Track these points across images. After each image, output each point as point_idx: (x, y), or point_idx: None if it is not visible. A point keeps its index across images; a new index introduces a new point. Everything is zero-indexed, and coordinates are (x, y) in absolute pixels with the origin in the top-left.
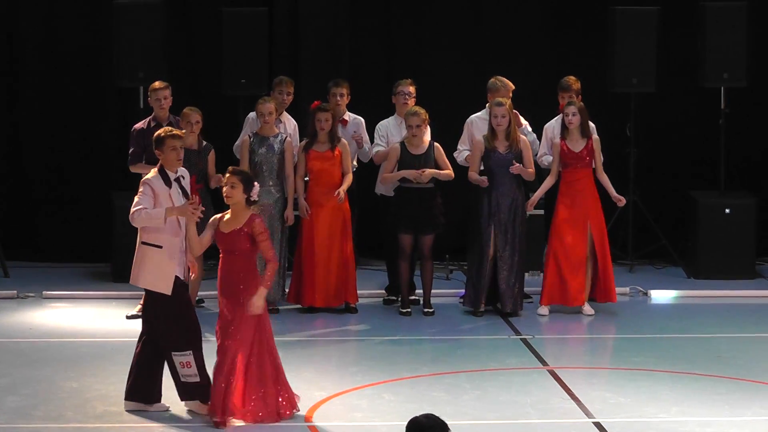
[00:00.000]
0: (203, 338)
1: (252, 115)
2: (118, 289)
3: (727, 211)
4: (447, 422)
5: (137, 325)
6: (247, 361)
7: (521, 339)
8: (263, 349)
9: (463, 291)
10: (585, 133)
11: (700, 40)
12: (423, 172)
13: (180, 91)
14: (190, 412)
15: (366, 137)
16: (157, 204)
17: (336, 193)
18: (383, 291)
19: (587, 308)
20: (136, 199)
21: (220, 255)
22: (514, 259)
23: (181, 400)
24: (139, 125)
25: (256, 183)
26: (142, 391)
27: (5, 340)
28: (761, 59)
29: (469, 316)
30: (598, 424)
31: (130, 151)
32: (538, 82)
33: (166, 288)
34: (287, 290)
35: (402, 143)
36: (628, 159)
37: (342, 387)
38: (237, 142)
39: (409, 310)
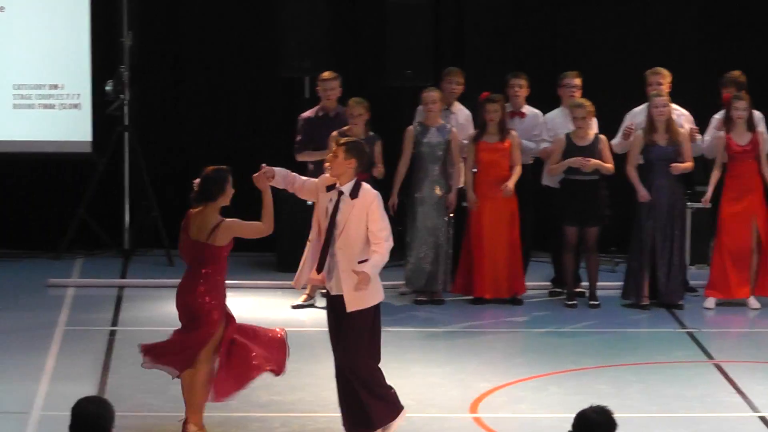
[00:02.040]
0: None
1: (421, 107)
2: (282, 279)
3: None
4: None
5: (302, 315)
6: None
7: (686, 332)
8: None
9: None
10: (750, 126)
11: None
12: (588, 160)
13: (345, 82)
14: None
15: (539, 131)
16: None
17: (503, 186)
18: (549, 283)
19: (753, 302)
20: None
21: None
22: (673, 252)
23: None
24: (306, 114)
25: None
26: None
27: (170, 328)
28: None
29: (634, 309)
30: (764, 419)
31: (297, 139)
32: (702, 75)
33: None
34: (453, 281)
35: (567, 135)
36: None
37: (507, 379)
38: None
39: (574, 302)
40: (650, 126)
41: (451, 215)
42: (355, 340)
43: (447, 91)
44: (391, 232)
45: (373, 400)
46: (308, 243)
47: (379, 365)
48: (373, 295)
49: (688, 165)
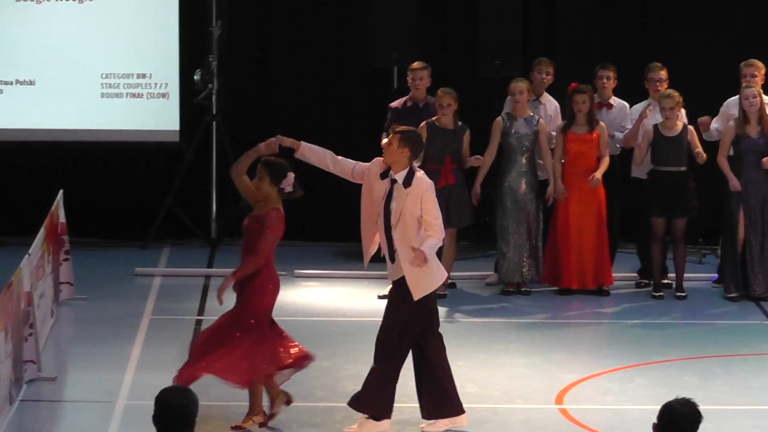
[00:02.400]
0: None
1: (509, 97)
2: (369, 269)
3: None
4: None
5: None
6: None
7: None
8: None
9: (715, 275)
10: None
11: None
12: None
13: (433, 72)
14: None
15: (626, 122)
16: (367, 187)
17: (591, 177)
18: (636, 274)
19: None
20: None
21: None
22: (764, 243)
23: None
24: (395, 104)
25: (289, 173)
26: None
27: None
28: None
29: (721, 300)
30: None
31: (386, 128)
32: None
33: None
34: (540, 272)
35: (655, 126)
36: None
37: (593, 370)
38: None
39: (661, 293)
40: (742, 118)
41: (547, 205)
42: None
43: (536, 81)
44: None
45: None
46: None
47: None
48: (436, 278)
49: None
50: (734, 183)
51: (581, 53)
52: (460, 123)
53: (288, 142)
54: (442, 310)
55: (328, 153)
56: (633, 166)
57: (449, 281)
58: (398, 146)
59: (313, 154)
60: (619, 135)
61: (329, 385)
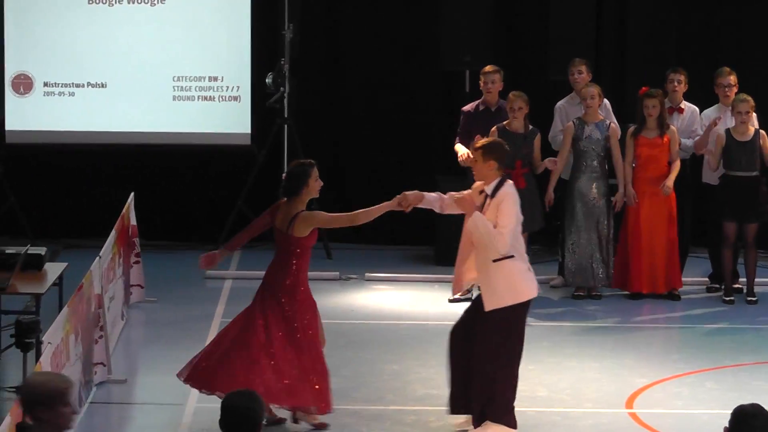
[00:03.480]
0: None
1: (560, 103)
2: (440, 273)
3: None
4: None
5: (459, 308)
6: None
7: None
8: None
9: None
10: None
11: None
12: None
13: (505, 75)
14: None
15: (696, 127)
16: None
17: (662, 185)
18: (707, 279)
19: None
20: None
21: None
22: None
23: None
24: (467, 108)
25: None
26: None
27: (327, 321)
28: None
29: None
30: None
31: (458, 131)
32: None
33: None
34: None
35: (727, 130)
36: None
37: (663, 374)
38: (551, 133)
39: (732, 298)
40: None
41: (615, 210)
42: (489, 339)
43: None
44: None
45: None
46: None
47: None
48: (511, 294)
49: None
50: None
51: (653, 56)
52: (531, 127)
53: (412, 198)
54: None
55: (442, 196)
56: (704, 172)
57: None
58: (483, 161)
59: (431, 200)
60: (687, 141)
61: (399, 388)
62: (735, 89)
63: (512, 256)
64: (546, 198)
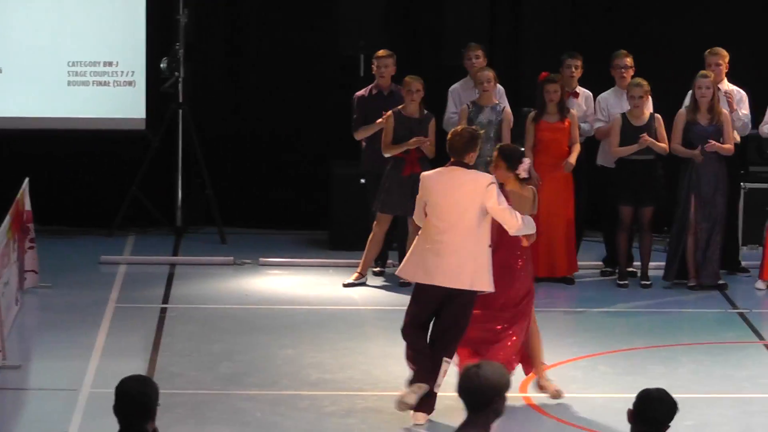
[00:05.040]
0: None
1: (454, 87)
2: (334, 257)
3: None
4: None
5: (353, 293)
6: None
7: (738, 313)
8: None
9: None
10: None
11: None
12: (644, 136)
13: (400, 60)
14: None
15: (592, 111)
16: None
17: (564, 162)
18: (601, 263)
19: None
20: (502, 201)
21: None
22: (713, 232)
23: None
24: (360, 93)
25: (525, 159)
26: None
27: (221, 306)
28: None
29: (685, 289)
30: None
31: (354, 118)
32: (759, 55)
33: (491, 285)
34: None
35: (623, 114)
36: None
37: (558, 358)
38: (446, 116)
39: (626, 282)
40: (693, 106)
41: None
42: (457, 321)
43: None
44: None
45: None
46: None
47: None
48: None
49: (727, 147)
50: (695, 153)
51: (548, 41)
52: (425, 111)
53: None
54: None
55: None
56: (599, 155)
57: None
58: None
59: None
60: (583, 126)
61: (293, 373)
62: (632, 71)
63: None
64: None
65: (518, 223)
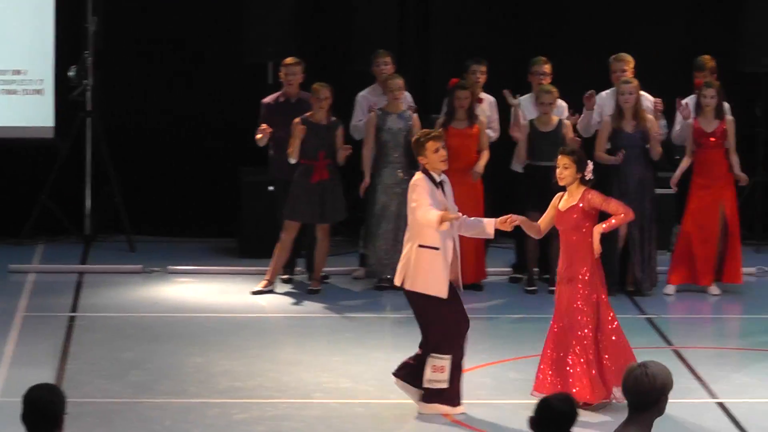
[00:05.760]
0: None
1: (362, 93)
2: (243, 265)
3: None
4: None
5: (262, 300)
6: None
7: (646, 318)
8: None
9: None
10: (719, 113)
11: None
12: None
13: (308, 67)
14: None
15: (496, 117)
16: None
17: (472, 170)
18: (509, 269)
19: (713, 288)
20: (415, 196)
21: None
22: (643, 238)
23: (423, 401)
24: (267, 99)
25: (589, 162)
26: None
27: (130, 314)
28: None
29: None
30: (722, 405)
31: (260, 122)
32: (671, 60)
33: (440, 291)
34: None
35: (531, 121)
36: (757, 139)
37: (468, 364)
38: (353, 122)
39: (535, 288)
40: (618, 113)
41: None
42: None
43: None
44: None
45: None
46: None
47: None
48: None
49: (659, 151)
50: (617, 159)
51: (457, 48)
52: (333, 118)
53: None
54: (316, 306)
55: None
56: (513, 160)
57: (322, 275)
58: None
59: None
60: (488, 132)
61: (202, 381)
62: (549, 78)
63: (437, 248)
64: (362, 186)
65: (420, 218)
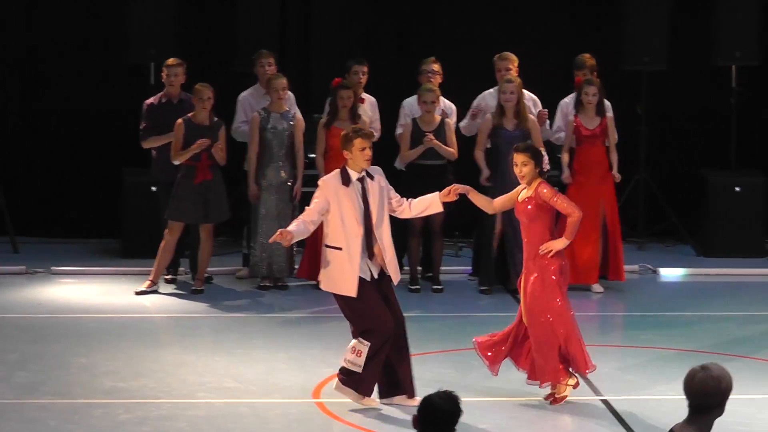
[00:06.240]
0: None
1: (243, 94)
2: (127, 265)
3: (737, 189)
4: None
5: (146, 301)
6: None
7: None
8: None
9: (470, 268)
10: (600, 111)
11: (713, 18)
12: (428, 136)
13: (191, 68)
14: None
15: (377, 117)
16: (333, 205)
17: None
18: None
19: (597, 286)
20: (313, 197)
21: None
22: (517, 238)
23: (339, 379)
24: (150, 100)
25: (544, 154)
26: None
27: (14, 315)
28: None
29: (477, 294)
30: (606, 402)
31: (142, 126)
32: (553, 59)
33: (349, 290)
34: (297, 266)
35: (414, 120)
36: (639, 137)
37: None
38: (235, 124)
39: (418, 286)
40: (499, 111)
41: (296, 202)
42: None
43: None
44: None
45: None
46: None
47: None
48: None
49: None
50: (485, 175)
51: (339, 50)
52: (215, 119)
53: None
54: (200, 306)
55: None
56: (397, 159)
57: (206, 275)
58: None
59: (300, 232)
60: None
61: (87, 381)
62: (438, 77)
63: (340, 248)
64: (250, 194)
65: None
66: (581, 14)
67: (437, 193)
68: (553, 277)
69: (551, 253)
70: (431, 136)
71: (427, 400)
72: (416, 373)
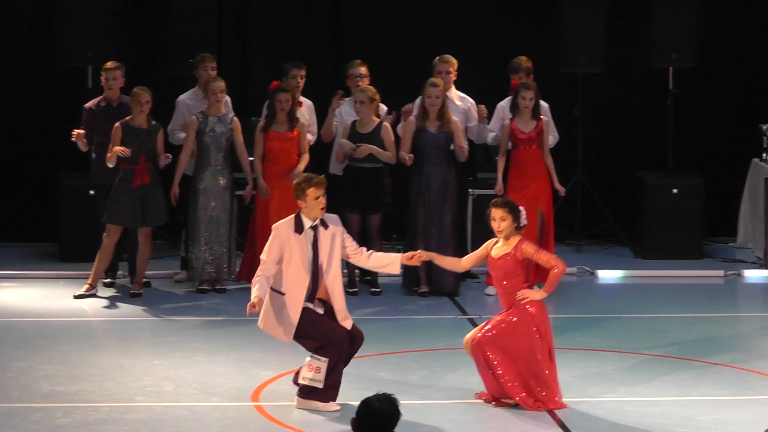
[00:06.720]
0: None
1: (182, 97)
2: (65, 269)
3: (675, 191)
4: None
5: (84, 305)
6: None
7: (468, 319)
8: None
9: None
10: (536, 114)
11: (650, 20)
12: (358, 146)
13: (129, 71)
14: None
15: (315, 120)
16: (285, 252)
17: (292, 173)
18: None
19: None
20: (266, 246)
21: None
22: (441, 239)
23: (300, 396)
24: (89, 104)
25: (522, 208)
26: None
27: None
28: (710, 40)
29: (416, 297)
30: None
31: (81, 127)
32: (488, 62)
33: (284, 336)
34: (237, 269)
35: (353, 123)
36: (575, 139)
37: (288, 367)
38: (171, 127)
39: (356, 289)
40: (423, 113)
41: (245, 204)
42: None
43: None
44: None
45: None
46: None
47: None
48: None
49: (464, 151)
50: (407, 157)
51: (276, 53)
52: (154, 122)
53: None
54: (138, 309)
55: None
56: (331, 163)
57: (144, 280)
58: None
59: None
60: (307, 135)
61: (25, 385)
62: (366, 80)
63: (283, 294)
64: (172, 193)
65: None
66: (517, 17)
67: (399, 254)
68: (533, 311)
69: (527, 300)
70: (358, 147)
71: (366, 403)
72: (354, 376)
